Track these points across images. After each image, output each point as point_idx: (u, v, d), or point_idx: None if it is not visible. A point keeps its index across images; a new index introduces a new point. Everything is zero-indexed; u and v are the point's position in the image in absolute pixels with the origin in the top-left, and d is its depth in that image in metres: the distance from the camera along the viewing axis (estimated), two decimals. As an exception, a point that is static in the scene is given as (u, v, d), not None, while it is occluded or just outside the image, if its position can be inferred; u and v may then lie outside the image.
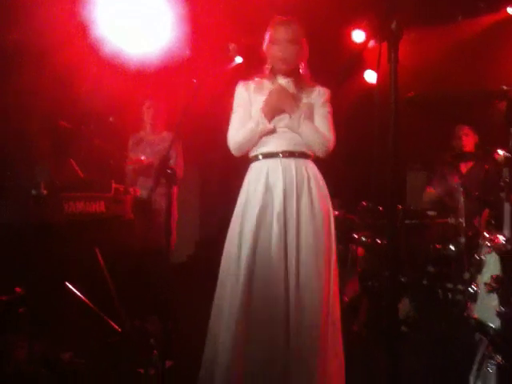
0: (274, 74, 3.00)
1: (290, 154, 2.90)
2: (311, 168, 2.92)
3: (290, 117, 2.89)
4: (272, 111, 2.91)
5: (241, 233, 2.85)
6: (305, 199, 2.84)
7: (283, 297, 2.73)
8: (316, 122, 2.94)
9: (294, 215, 2.80)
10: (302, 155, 2.92)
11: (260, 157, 2.94)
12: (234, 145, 2.99)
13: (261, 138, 2.92)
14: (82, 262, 4.01)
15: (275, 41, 2.92)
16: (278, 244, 2.77)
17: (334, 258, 2.86)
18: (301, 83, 2.96)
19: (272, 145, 2.93)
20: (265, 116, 2.90)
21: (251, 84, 3.02)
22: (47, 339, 3.57)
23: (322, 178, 2.94)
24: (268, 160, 2.92)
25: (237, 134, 2.97)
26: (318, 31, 4.93)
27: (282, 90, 2.92)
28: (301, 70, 2.96)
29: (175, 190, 4.48)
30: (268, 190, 2.86)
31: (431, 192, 4.91)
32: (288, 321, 2.72)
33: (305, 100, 2.95)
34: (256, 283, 2.76)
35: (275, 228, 2.79)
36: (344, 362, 2.87)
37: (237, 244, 2.84)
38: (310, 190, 2.86)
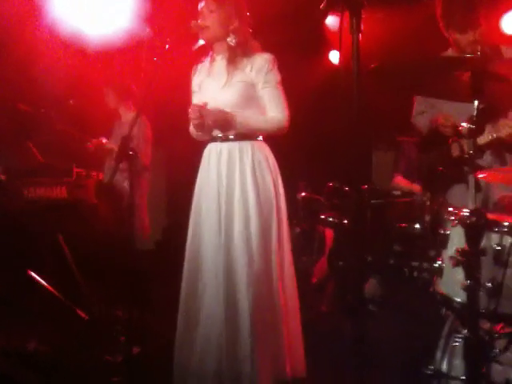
0: (211, 52, 2.98)
1: (226, 138, 2.89)
2: (249, 151, 2.87)
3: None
4: (202, 130, 2.94)
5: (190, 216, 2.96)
6: (237, 186, 2.82)
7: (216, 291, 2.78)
8: (263, 101, 2.89)
9: (225, 202, 2.81)
10: (240, 137, 2.88)
11: (208, 140, 2.97)
12: (191, 133, 3.08)
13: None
14: (45, 249, 3.93)
15: (198, 13, 2.91)
16: (209, 229, 2.84)
17: (275, 240, 2.85)
18: (235, 58, 2.89)
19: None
20: (196, 130, 2.97)
21: (197, 66, 3.05)
22: (11, 328, 3.50)
23: (267, 160, 2.89)
24: (211, 144, 2.95)
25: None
26: (284, 10, 4.90)
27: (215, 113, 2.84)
28: (232, 40, 2.87)
29: (142, 179, 4.39)
30: (207, 175, 2.90)
31: (401, 183, 4.87)
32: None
33: (241, 76, 2.88)
34: (192, 269, 2.87)
35: (208, 212, 2.86)
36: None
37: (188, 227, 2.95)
38: (244, 176, 2.83)
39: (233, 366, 2.73)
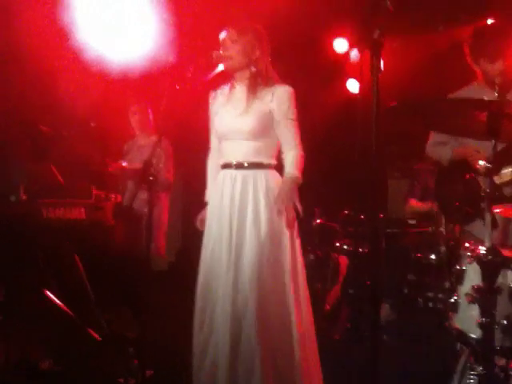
0: (232, 80, 3.01)
1: (239, 166, 2.91)
2: (263, 179, 2.89)
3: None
4: None
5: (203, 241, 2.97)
6: (249, 212, 2.83)
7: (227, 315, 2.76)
8: (281, 132, 2.92)
9: (236, 227, 2.82)
10: (255, 166, 2.90)
11: (221, 167, 2.99)
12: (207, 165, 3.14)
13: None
14: (61, 269, 3.96)
15: (220, 42, 2.94)
16: (219, 256, 2.84)
17: (289, 267, 2.84)
18: (256, 87, 2.92)
19: (228, 155, 2.96)
20: None
21: (216, 92, 3.08)
22: (25, 347, 3.51)
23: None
24: (225, 171, 2.96)
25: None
26: (299, 39, 4.96)
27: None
28: (253, 69, 2.91)
29: (164, 195, 4.43)
30: (220, 201, 2.91)
31: (415, 205, 4.87)
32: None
33: (260, 105, 2.90)
34: (204, 294, 2.87)
35: (220, 240, 2.86)
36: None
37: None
38: (257, 202, 2.84)
39: None
